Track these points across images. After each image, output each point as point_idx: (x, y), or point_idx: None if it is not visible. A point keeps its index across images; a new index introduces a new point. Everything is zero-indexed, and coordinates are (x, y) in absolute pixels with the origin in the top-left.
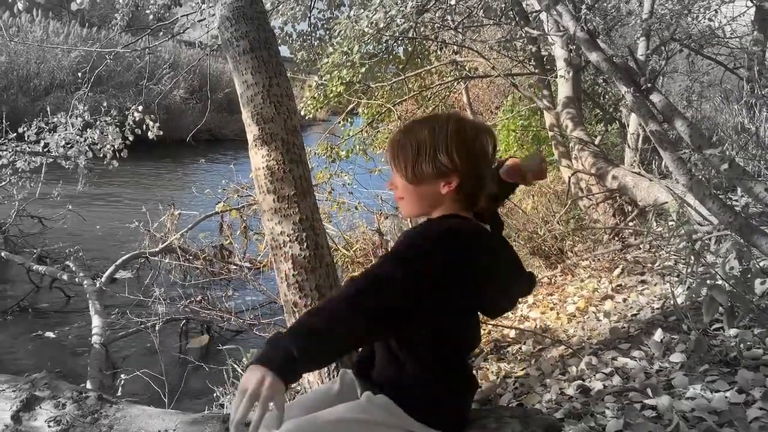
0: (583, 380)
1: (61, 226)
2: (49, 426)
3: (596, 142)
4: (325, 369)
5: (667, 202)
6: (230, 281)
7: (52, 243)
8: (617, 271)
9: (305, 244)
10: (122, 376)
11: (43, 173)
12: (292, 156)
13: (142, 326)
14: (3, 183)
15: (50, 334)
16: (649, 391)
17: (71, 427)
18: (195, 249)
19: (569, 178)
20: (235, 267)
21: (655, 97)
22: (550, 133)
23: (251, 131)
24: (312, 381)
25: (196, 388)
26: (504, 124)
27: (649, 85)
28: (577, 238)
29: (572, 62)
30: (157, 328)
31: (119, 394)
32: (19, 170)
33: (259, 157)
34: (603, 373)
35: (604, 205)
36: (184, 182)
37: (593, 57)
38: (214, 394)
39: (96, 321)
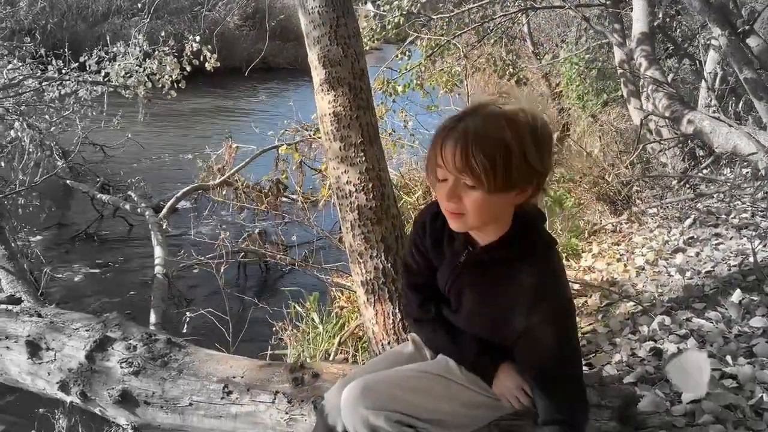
0: (655, 341)
1: (121, 155)
2: (121, 367)
3: (669, 80)
4: (390, 321)
5: (756, 153)
6: (285, 216)
7: (113, 172)
8: (688, 222)
9: (371, 195)
10: (187, 314)
11: (105, 104)
12: (359, 102)
13: (204, 261)
14: (67, 112)
15: (114, 263)
16: (728, 358)
17: (142, 369)
18: (252, 183)
19: (641, 120)
20: (290, 201)
21: (752, 41)
22: (620, 71)
23: (317, 74)
24: (377, 332)
25: (256, 321)
26: (567, 57)
27: (747, 27)
28: (645, 183)
29: None
30: (222, 270)
31: (185, 330)
32: (82, 99)
33: (325, 103)
34: (677, 334)
35: (674, 149)
36: (240, 114)
37: None
38: (273, 339)
39: (158, 252)
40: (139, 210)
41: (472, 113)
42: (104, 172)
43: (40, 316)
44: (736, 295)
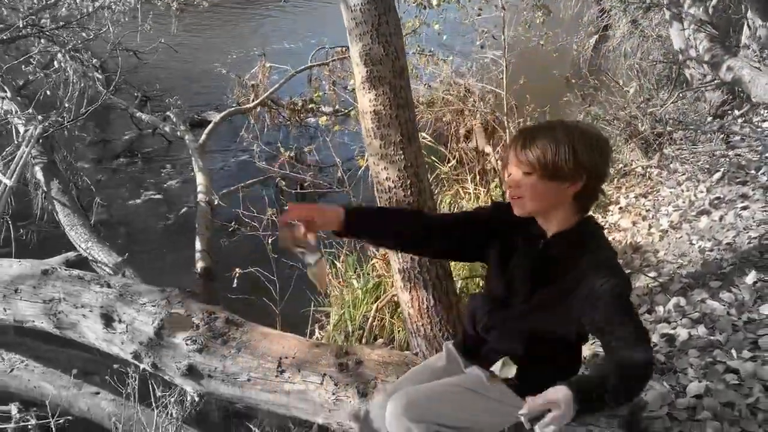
0: (669, 323)
1: (155, 62)
2: (186, 344)
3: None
4: (425, 306)
5: None
6: (316, 133)
7: (149, 79)
8: (717, 176)
9: (409, 191)
10: (237, 270)
11: (139, 13)
12: (399, 101)
13: (250, 228)
14: (103, 30)
15: (156, 184)
16: (733, 351)
17: (205, 347)
18: (285, 101)
19: (679, 66)
20: (321, 116)
21: None
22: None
23: (359, 71)
24: (413, 314)
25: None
26: None
27: None
28: (679, 123)
29: None
30: (269, 240)
31: (234, 285)
32: (115, 12)
33: (366, 101)
34: (690, 318)
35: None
36: (271, 25)
37: None
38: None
39: (200, 178)
40: (178, 133)
41: (544, 124)
42: (139, 79)
43: (109, 286)
44: (751, 277)
